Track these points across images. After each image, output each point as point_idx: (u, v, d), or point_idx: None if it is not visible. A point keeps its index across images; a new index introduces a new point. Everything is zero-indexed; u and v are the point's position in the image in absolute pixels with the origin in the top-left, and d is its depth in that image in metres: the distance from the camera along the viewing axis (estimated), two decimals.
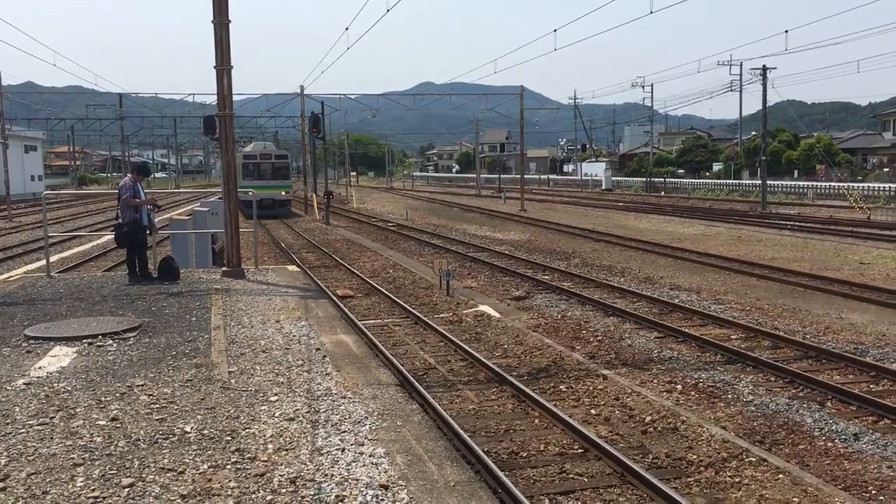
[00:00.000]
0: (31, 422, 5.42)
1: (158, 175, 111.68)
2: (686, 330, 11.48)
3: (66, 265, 18.91)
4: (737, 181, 60.61)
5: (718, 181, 62.01)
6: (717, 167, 71.38)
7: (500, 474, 5.94)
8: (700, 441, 6.94)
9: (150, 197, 12.21)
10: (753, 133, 72.13)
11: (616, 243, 24.37)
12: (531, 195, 54.36)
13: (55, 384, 6.34)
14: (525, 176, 52.00)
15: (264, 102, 62.22)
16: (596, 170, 78.44)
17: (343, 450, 5.03)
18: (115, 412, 5.63)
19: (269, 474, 4.58)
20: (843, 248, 22.05)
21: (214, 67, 12.10)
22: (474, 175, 79.12)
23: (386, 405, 6.08)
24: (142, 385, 6.32)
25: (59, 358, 7.24)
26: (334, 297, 14.15)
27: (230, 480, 4.47)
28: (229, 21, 12.06)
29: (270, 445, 5.04)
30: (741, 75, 61.50)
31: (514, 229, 30.69)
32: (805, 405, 8.13)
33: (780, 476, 6.11)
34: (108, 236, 16.28)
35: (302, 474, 4.60)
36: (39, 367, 6.89)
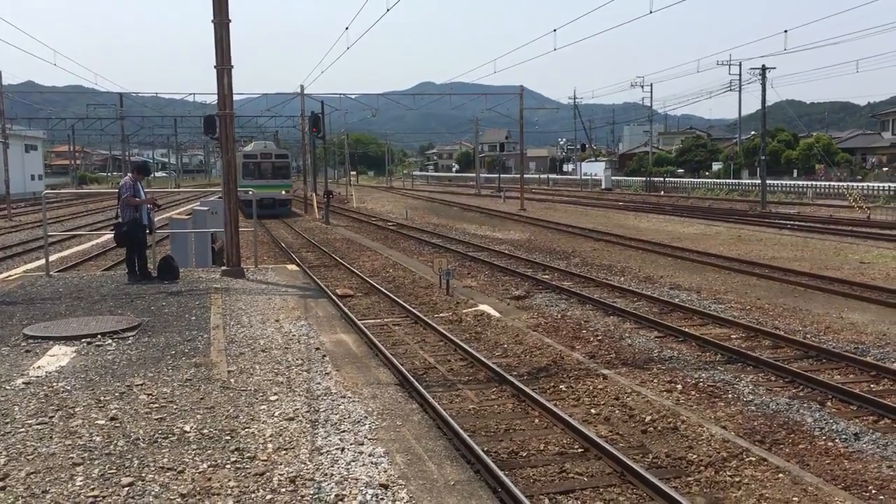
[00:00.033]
0: (30, 421, 5.42)
1: (158, 174, 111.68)
2: (686, 329, 11.47)
3: (65, 264, 18.90)
4: (736, 181, 60.64)
5: (718, 181, 62.02)
6: (716, 167, 71.41)
7: (500, 474, 5.93)
8: (700, 440, 6.94)
9: (150, 196, 12.20)
10: (753, 133, 72.15)
11: (616, 243, 24.37)
12: (531, 195, 54.37)
13: (54, 383, 6.34)
14: (525, 175, 52.01)
15: (264, 102, 62.25)
16: (595, 169, 78.47)
17: (343, 449, 5.02)
18: (114, 411, 5.62)
19: (268, 474, 4.57)
20: (843, 248, 22.04)
21: (215, 67, 12.09)
22: (474, 174, 79.15)
23: (385, 405, 6.07)
24: (141, 384, 6.31)
25: (58, 357, 7.23)
26: (334, 297, 14.14)
27: (230, 480, 4.47)
28: (229, 20, 12.05)
29: (270, 445, 5.04)
30: (740, 75, 61.53)
31: (513, 229, 30.68)
32: (805, 405, 8.12)
33: (781, 475, 6.10)
34: (108, 235, 16.28)
35: (301, 474, 4.59)
36: (38, 367, 6.88)
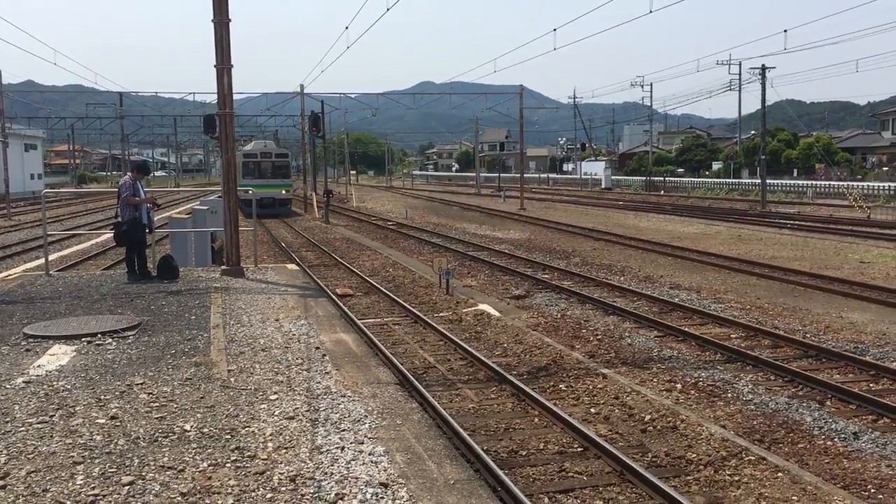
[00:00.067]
0: (30, 420, 5.42)
1: (158, 174, 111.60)
2: (686, 329, 11.48)
3: (65, 264, 18.90)
4: (736, 180, 60.65)
5: (718, 180, 62.03)
6: (716, 166, 71.41)
7: (500, 473, 5.94)
8: (699, 440, 6.94)
9: (149, 196, 12.21)
10: (753, 132, 72.16)
11: (616, 242, 24.37)
12: (531, 194, 54.37)
13: (54, 382, 6.34)
14: (525, 175, 52.01)
15: (264, 101, 62.25)
16: (595, 169, 78.47)
17: (343, 448, 5.03)
18: (114, 410, 5.63)
19: (268, 472, 4.58)
20: (843, 247, 22.05)
21: (214, 66, 12.09)
22: (474, 174, 79.15)
23: (385, 404, 6.08)
24: (141, 383, 6.32)
25: (58, 356, 7.24)
26: (334, 296, 14.15)
27: (230, 479, 4.47)
28: (229, 20, 12.06)
29: (270, 444, 5.04)
30: (740, 75, 61.50)
31: (513, 228, 30.69)
32: (805, 404, 8.13)
33: (780, 475, 6.11)
34: (108, 235, 16.29)
35: (302, 472, 4.60)
36: (38, 366, 6.89)
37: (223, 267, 12.90)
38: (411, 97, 60.53)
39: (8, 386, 6.25)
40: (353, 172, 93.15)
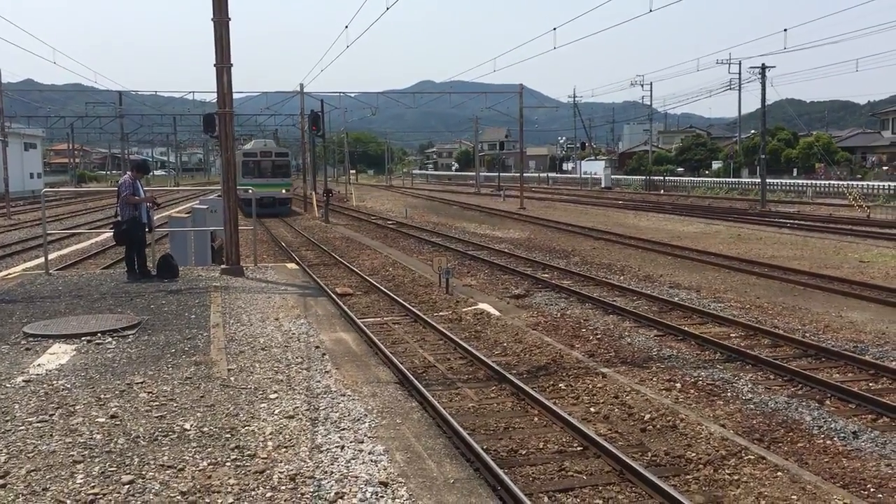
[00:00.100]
0: (30, 419, 5.42)
1: (158, 173, 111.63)
2: (685, 328, 11.48)
3: (64, 263, 18.91)
4: (736, 179, 60.65)
5: (718, 179, 62.03)
6: (716, 165, 71.41)
7: (500, 472, 5.95)
8: (699, 439, 6.95)
9: (149, 195, 12.21)
10: (752, 131, 72.14)
11: (615, 241, 24.38)
12: (530, 193, 54.38)
13: (54, 382, 6.34)
14: (524, 174, 52.00)
15: (264, 100, 62.17)
16: (595, 168, 78.44)
17: (342, 447, 5.03)
18: (114, 409, 5.63)
19: (268, 471, 4.58)
20: (842, 247, 22.06)
21: (214, 65, 12.09)
22: (474, 173, 79.14)
23: (385, 403, 6.08)
24: (141, 382, 6.32)
25: (58, 355, 7.24)
26: (333, 295, 14.15)
27: (230, 477, 4.48)
28: (229, 19, 12.05)
29: (270, 443, 5.05)
30: (740, 74, 61.56)
31: (513, 227, 30.69)
32: (804, 403, 8.14)
33: (779, 474, 6.12)
34: (107, 234, 16.28)
35: (301, 471, 4.60)
36: (38, 365, 6.89)
37: (223, 266, 12.90)
38: (411, 96, 60.55)
39: (8, 385, 6.25)
40: (353, 171, 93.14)
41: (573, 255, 21.22)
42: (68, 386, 6.22)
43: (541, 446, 6.93)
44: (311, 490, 4.35)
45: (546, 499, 5.92)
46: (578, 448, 6.84)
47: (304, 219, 37.54)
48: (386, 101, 58.98)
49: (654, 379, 9.12)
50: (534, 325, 12.24)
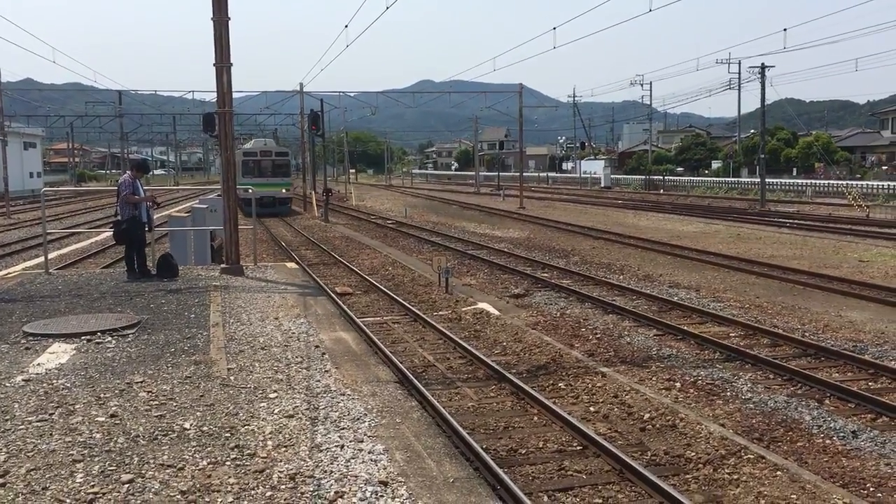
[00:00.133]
0: (30, 418, 5.42)
1: (157, 172, 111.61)
2: (685, 328, 11.49)
3: (64, 262, 18.91)
4: (735, 179, 60.64)
5: (717, 179, 62.03)
6: (715, 165, 71.40)
7: (499, 471, 5.95)
8: (698, 438, 6.95)
9: (149, 194, 12.21)
10: (752, 131, 72.17)
11: (615, 241, 24.38)
12: (530, 193, 54.38)
13: (54, 381, 6.34)
14: (524, 174, 52.00)
15: (263, 100, 62.13)
16: (595, 168, 78.44)
17: (342, 446, 5.04)
18: (114, 409, 5.63)
19: (268, 471, 4.58)
20: (842, 246, 22.06)
21: (214, 65, 12.10)
22: (473, 173, 79.13)
23: (385, 402, 6.08)
24: (141, 382, 6.32)
25: (57, 355, 7.24)
26: (333, 295, 14.15)
27: (229, 477, 4.48)
28: (229, 18, 12.06)
29: (270, 442, 5.05)
30: (739, 73, 61.58)
31: (513, 227, 30.70)
32: (803, 403, 8.14)
33: (779, 473, 6.12)
34: (107, 233, 16.27)
35: (301, 471, 4.60)
36: (38, 364, 6.89)
37: (222, 265, 12.90)
38: (411, 96, 60.58)
39: (7, 384, 6.25)
40: (353, 171, 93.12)
41: (573, 254, 21.22)
42: (68, 385, 6.23)
43: (540, 445, 6.94)
44: (311, 489, 4.35)
45: (546, 498, 5.92)
46: (578, 447, 6.84)
47: (304, 218, 37.53)
48: (385, 100, 58.97)
49: (654, 378, 9.12)
50: (533, 324, 12.24)
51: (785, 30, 37.64)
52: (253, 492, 4.29)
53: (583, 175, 78.65)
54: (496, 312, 12.99)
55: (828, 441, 7.12)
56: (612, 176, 74.63)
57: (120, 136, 69.78)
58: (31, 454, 4.76)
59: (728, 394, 8.53)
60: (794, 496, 5.73)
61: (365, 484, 4.46)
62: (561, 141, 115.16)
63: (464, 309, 13.34)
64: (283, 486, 4.37)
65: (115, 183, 14.18)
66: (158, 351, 7.37)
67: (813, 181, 51.79)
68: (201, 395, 5.98)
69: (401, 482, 4.52)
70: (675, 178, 67.13)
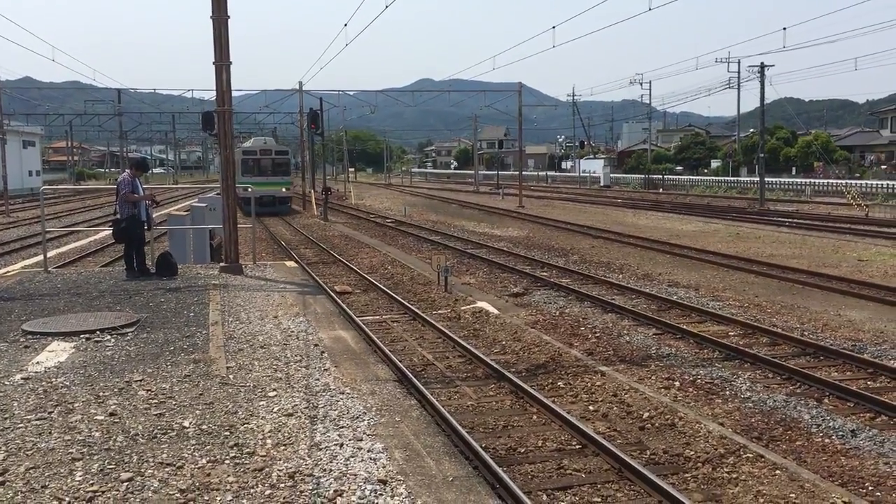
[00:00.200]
0: (29, 417, 5.42)
1: (157, 171, 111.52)
2: (684, 326, 11.49)
3: (63, 260, 18.90)
4: (735, 178, 60.66)
5: (717, 178, 62.04)
6: (715, 164, 71.43)
7: (498, 470, 5.95)
8: (698, 437, 6.96)
9: (148, 193, 12.20)
10: (751, 130, 72.17)
11: (614, 240, 24.39)
12: (529, 192, 54.38)
13: (53, 379, 6.34)
14: (523, 173, 51.99)
15: (263, 98, 62.10)
16: (594, 166, 78.44)
17: (341, 445, 5.04)
18: (113, 407, 5.63)
19: (267, 469, 4.58)
20: (841, 245, 22.07)
21: (213, 63, 12.09)
22: (472, 171, 79.13)
23: (384, 401, 6.08)
24: (140, 380, 6.32)
25: (56, 353, 7.24)
26: (332, 294, 14.14)
27: (229, 475, 4.48)
28: (228, 17, 12.05)
29: (269, 440, 5.05)
30: (739, 72, 61.59)
31: (512, 226, 30.70)
32: (802, 402, 8.14)
33: (778, 472, 6.13)
34: (106, 232, 16.27)
35: (300, 469, 4.60)
36: (37, 363, 6.89)
37: (222, 264, 12.90)
38: (410, 94, 60.60)
39: (6, 383, 6.25)
40: (352, 170, 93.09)
41: (572, 253, 21.22)
42: (67, 383, 6.22)
43: (539, 444, 6.94)
44: (310, 488, 4.36)
45: (545, 497, 5.92)
46: (577, 446, 6.84)
47: (303, 217, 37.52)
48: (385, 99, 58.94)
49: (653, 377, 9.13)
50: (532, 323, 12.24)
51: (784, 29, 37.61)
52: (252, 490, 4.29)
53: (582, 174, 78.67)
54: (495, 311, 12.99)
55: (827, 440, 7.12)
56: (611, 175, 74.64)
57: (119, 134, 69.74)
58: (30, 453, 4.76)
59: (727, 393, 8.53)
60: (793, 495, 5.74)
61: (364, 482, 4.46)
62: (560, 140, 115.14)
63: (463, 308, 13.34)
64: (282, 485, 4.37)
65: (115, 181, 14.18)
66: (157, 349, 7.37)
67: (812, 180, 51.82)
68: (200, 394, 5.98)
69: (400, 481, 4.52)
70: (675, 177, 67.15)
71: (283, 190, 40.42)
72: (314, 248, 23.53)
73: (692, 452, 6.65)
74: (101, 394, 5.95)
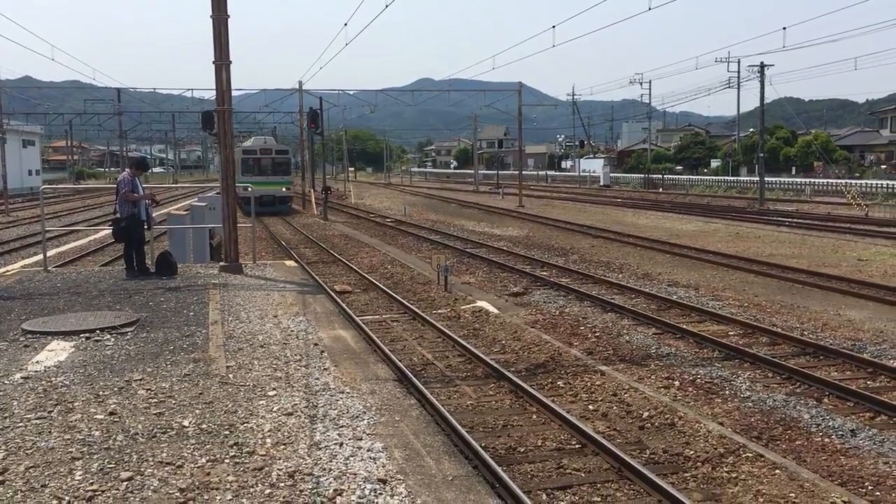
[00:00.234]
0: (29, 416, 5.42)
1: (156, 170, 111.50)
2: (684, 326, 11.49)
3: (63, 260, 18.89)
4: (734, 178, 60.65)
5: (716, 178, 62.05)
6: (714, 164, 71.42)
7: (498, 469, 5.95)
8: (697, 437, 6.96)
9: (148, 192, 12.20)
10: (751, 130, 72.18)
11: (614, 239, 24.39)
12: (529, 191, 54.37)
13: (53, 378, 6.34)
14: (523, 172, 51.99)
15: (262, 98, 62.09)
16: (594, 166, 78.44)
17: (341, 444, 5.04)
18: (113, 406, 5.63)
19: (267, 468, 4.58)
20: (840, 245, 22.08)
21: (213, 62, 12.08)
22: (472, 171, 79.12)
23: (384, 400, 6.08)
24: (140, 379, 6.32)
25: (56, 352, 7.24)
26: (332, 293, 14.15)
27: (228, 474, 4.48)
28: (228, 16, 12.04)
29: (269, 440, 5.05)
30: (739, 72, 61.55)
31: (512, 225, 30.70)
32: (802, 401, 8.15)
33: (777, 472, 6.13)
34: (106, 231, 16.27)
35: (300, 468, 4.60)
36: (37, 362, 6.88)
37: (221, 263, 12.90)
38: (410, 94, 60.58)
39: (6, 382, 6.25)
40: (352, 169, 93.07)
41: (572, 252, 21.23)
42: (67, 383, 6.22)
43: (539, 444, 6.94)
44: (310, 487, 4.36)
45: (544, 496, 5.93)
46: (577, 445, 6.85)
47: (303, 216, 37.52)
48: (385, 98, 58.94)
49: (653, 377, 9.13)
50: (532, 322, 12.24)
51: (784, 28, 37.62)
52: (252, 489, 4.29)
53: (582, 174, 78.67)
54: (495, 311, 12.99)
55: (826, 439, 7.13)
56: (611, 174, 74.63)
57: (119, 133, 69.74)
58: (29, 452, 4.76)
59: (727, 392, 8.54)
60: (793, 494, 5.74)
61: (364, 482, 4.46)
62: (560, 139, 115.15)
63: (463, 307, 13.34)
64: (281, 484, 4.37)
65: (114, 181, 14.17)
66: (157, 349, 7.37)
67: (812, 180, 51.83)
68: (200, 393, 5.98)
69: (400, 480, 4.52)
70: (674, 176, 67.15)
71: (284, 189, 40.27)
72: (314, 247, 23.53)
73: (692, 452, 6.65)
74: (100, 393, 5.95)
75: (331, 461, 4.75)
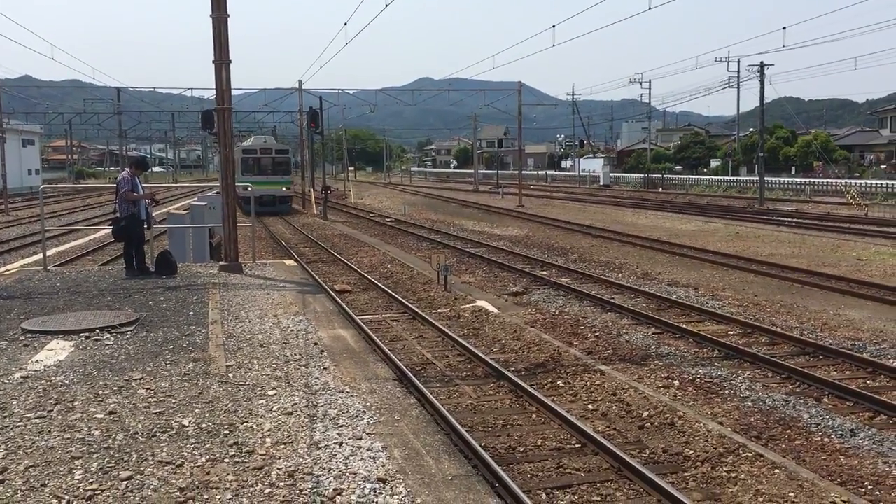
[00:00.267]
0: (28, 415, 5.42)
1: (156, 169, 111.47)
2: (684, 326, 11.49)
3: (63, 259, 18.89)
4: (734, 177, 60.66)
5: (716, 177, 62.06)
6: (714, 163, 71.43)
7: (498, 469, 5.95)
8: (697, 436, 6.96)
9: (148, 191, 12.20)
10: (751, 129, 72.19)
11: (614, 239, 24.39)
12: (529, 191, 54.38)
13: (52, 378, 6.34)
14: (523, 172, 51.98)
15: (262, 97, 62.04)
16: (594, 166, 78.44)
17: (341, 444, 5.04)
18: (112, 406, 5.63)
19: (267, 468, 4.59)
20: (840, 245, 22.08)
21: (213, 62, 12.08)
22: (472, 171, 79.12)
23: (384, 400, 6.08)
24: (139, 379, 6.32)
25: (56, 352, 7.24)
26: (332, 292, 14.15)
27: (228, 474, 4.48)
28: (228, 15, 12.05)
29: (268, 439, 5.05)
30: (739, 72, 61.56)
31: (511, 225, 30.70)
32: (802, 401, 8.15)
33: (777, 471, 6.13)
34: (106, 230, 16.27)
35: (300, 468, 4.61)
36: (37, 361, 6.89)
37: (221, 263, 12.90)
38: (410, 93, 60.51)
39: (6, 381, 6.25)
40: (352, 169, 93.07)
41: (571, 252, 21.23)
42: (66, 382, 6.22)
43: (539, 443, 6.94)
44: (310, 486, 4.36)
45: (544, 496, 5.93)
46: (576, 445, 6.85)
47: (303, 216, 37.51)
48: (385, 98, 58.91)
49: (652, 376, 9.13)
50: (532, 322, 12.24)
51: (784, 28, 37.67)
52: (251, 489, 4.29)
53: (581, 173, 78.66)
54: (495, 310, 12.99)
55: (826, 439, 7.13)
56: (610, 174, 74.65)
57: (119, 133, 69.63)
58: (29, 451, 4.76)
59: (726, 392, 8.54)
60: (792, 494, 5.74)
61: (363, 481, 4.46)
62: (560, 139, 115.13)
63: (462, 307, 13.34)
64: (281, 484, 4.38)
65: (114, 180, 14.17)
66: (157, 348, 7.37)
67: (812, 180, 51.83)
68: (200, 393, 5.98)
69: (399, 479, 4.52)
70: (674, 176, 67.16)
71: (284, 189, 40.15)
72: (314, 246, 23.53)
73: (691, 451, 6.65)
74: (100, 392, 5.95)
75: (330, 460, 4.75)
